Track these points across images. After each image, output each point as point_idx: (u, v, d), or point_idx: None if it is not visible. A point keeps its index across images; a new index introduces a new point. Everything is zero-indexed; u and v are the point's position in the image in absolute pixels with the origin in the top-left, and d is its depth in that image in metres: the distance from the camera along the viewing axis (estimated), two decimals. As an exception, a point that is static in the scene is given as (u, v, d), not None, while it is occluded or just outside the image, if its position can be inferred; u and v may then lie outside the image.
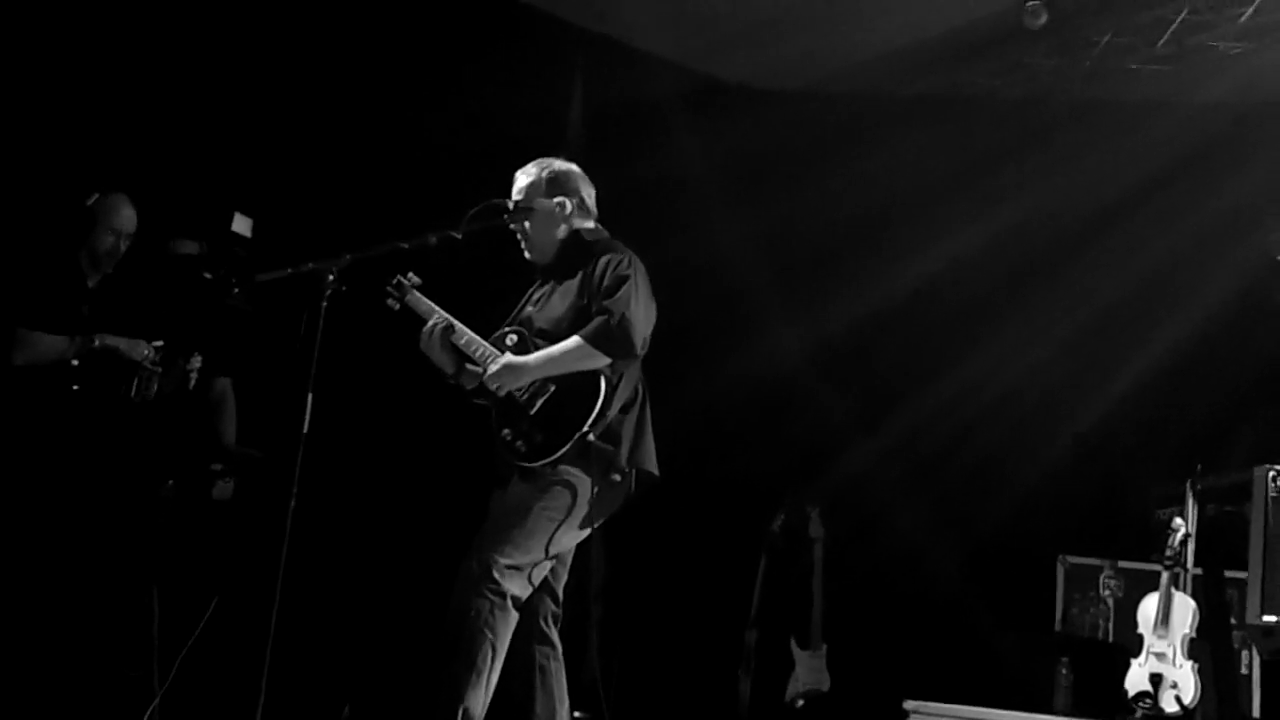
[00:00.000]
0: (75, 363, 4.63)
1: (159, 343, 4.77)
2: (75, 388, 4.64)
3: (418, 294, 4.00)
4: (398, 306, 4.00)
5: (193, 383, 4.83)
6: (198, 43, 5.50)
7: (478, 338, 3.95)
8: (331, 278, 3.78)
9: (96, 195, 4.83)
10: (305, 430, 3.73)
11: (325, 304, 3.77)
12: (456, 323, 3.97)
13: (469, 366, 3.99)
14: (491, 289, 4.25)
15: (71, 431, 4.62)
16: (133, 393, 4.72)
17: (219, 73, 5.52)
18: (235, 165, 5.49)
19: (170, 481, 4.86)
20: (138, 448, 4.75)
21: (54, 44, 5.19)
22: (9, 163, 5.07)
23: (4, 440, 4.52)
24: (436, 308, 3.99)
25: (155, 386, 4.76)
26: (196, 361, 4.83)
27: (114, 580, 4.66)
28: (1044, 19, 5.97)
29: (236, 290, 3.90)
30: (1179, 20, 6.07)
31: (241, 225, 4.89)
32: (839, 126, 6.70)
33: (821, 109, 6.79)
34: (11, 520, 4.47)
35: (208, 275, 4.84)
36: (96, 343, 4.67)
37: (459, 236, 3.91)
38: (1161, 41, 6.23)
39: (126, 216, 4.83)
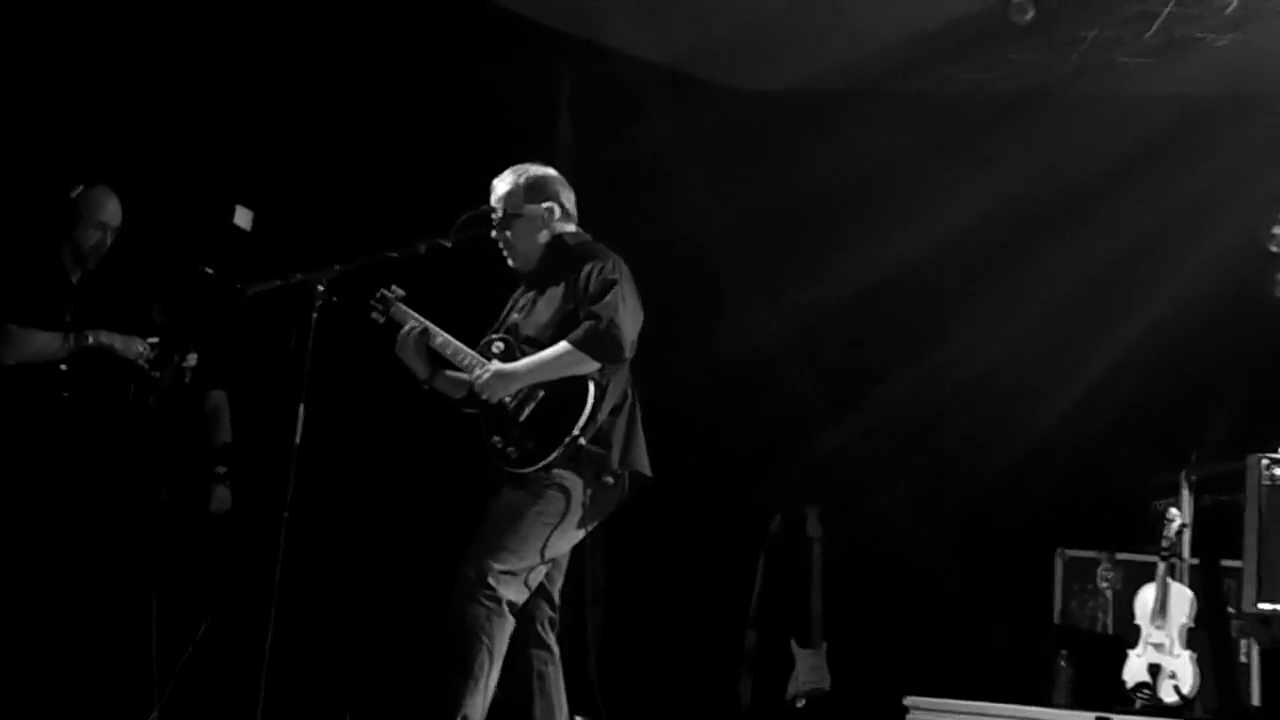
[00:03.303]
0: (64, 367, 4.49)
1: (154, 339, 4.67)
2: (65, 395, 4.51)
3: (403, 306, 3.99)
4: (383, 320, 3.99)
5: (188, 378, 4.73)
6: (190, 33, 5.40)
7: (464, 346, 3.94)
8: (321, 289, 3.79)
9: (80, 188, 4.67)
10: (298, 441, 3.73)
11: (315, 315, 3.77)
12: (440, 331, 3.95)
13: (449, 373, 3.99)
14: (475, 294, 4.23)
15: (65, 437, 4.51)
16: (148, 399, 4.62)
17: (214, 63, 5.42)
18: (230, 157, 5.38)
19: (165, 490, 4.83)
20: (132, 455, 4.68)
21: (40, 31, 5.06)
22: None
23: None
24: (422, 319, 3.97)
25: (154, 394, 4.69)
26: (192, 359, 4.73)
27: (111, 591, 4.63)
28: (1031, 14, 5.97)
29: (239, 286, 3.84)
30: (1166, 12, 6.07)
31: (243, 219, 4.76)
32: (823, 121, 6.70)
33: (805, 104, 6.79)
34: (6, 529, 4.39)
35: (209, 270, 4.71)
36: (90, 340, 4.54)
37: (449, 245, 3.91)
38: (1149, 34, 6.23)
39: (112, 210, 4.68)
